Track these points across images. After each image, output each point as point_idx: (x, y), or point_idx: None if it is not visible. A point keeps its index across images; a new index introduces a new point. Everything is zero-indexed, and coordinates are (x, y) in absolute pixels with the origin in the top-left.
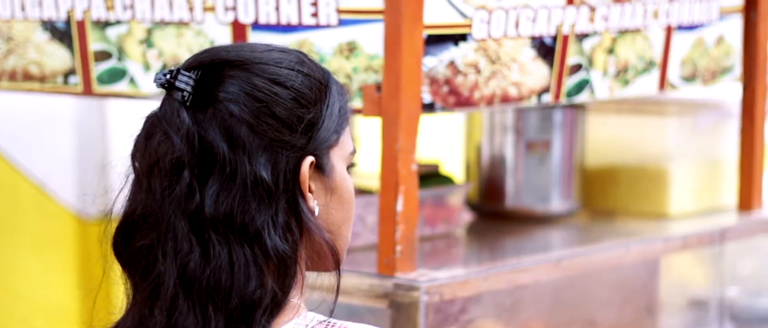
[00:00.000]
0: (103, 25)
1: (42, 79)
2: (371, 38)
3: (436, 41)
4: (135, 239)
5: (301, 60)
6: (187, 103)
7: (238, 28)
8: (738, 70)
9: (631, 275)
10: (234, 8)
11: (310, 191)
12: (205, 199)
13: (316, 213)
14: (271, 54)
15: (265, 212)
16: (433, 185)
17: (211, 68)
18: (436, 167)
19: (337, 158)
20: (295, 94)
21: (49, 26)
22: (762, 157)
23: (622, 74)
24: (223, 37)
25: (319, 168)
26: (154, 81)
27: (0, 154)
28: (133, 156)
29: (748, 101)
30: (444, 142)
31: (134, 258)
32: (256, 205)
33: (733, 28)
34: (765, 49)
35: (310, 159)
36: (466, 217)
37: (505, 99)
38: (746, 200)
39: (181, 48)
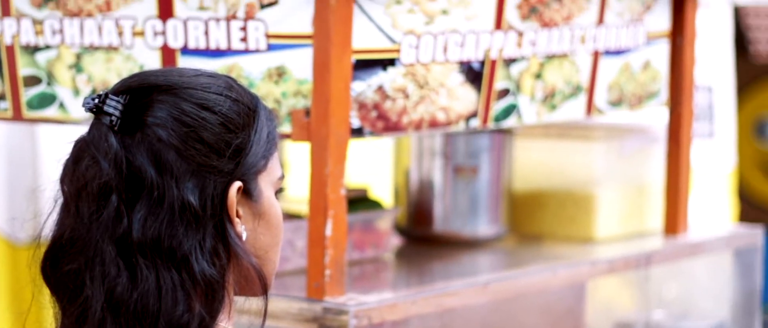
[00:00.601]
0: (32, 50)
1: None
2: (300, 63)
3: (365, 66)
4: (63, 263)
5: (229, 85)
6: (116, 128)
7: (167, 53)
8: (664, 94)
9: (558, 299)
10: (163, 33)
11: (238, 216)
12: (132, 223)
13: (244, 238)
14: (199, 79)
15: (192, 237)
16: (361, 209)
17: (139, 93)
18: (364, 191)
19: (265, 183)
20: (223, 119)
21: None
22: (688, 182)
23: (549, 99)
24: (153, 62)
25: (247, 193)
26: (83, 105)
27: None
28: (62, 180)
29: (674, 126)
30: (373, 166)
31: (62, 282)
32: (184, 230)
33: (660, 53)
34: (691, 74)
35: (237, 184)
36: (395, 241)
37: (434, 124)
38: (672, 224)
39: (110, 73)
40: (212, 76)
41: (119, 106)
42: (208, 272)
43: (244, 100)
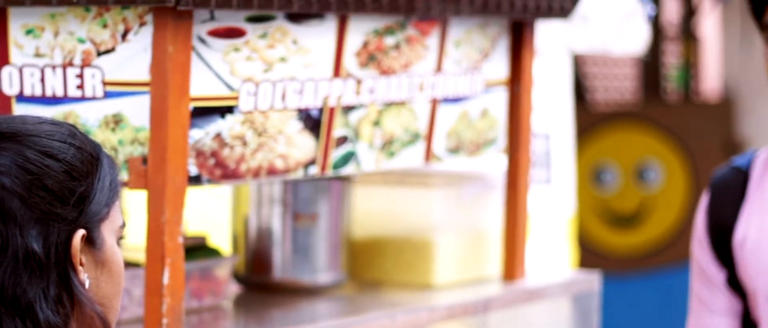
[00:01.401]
0: None
1: None
2: (137, 110)
3: (203, 114)
4: None
5: (72, 133)
6: None
7: (2, 100)
8: (502, 142)
9: None
10: None
11: (81, 264)
12: None
13: (87, 286)
14: (42, 126)
15: (36, 285)
16: (200, 257)
17: None
18: (203, 239)
19: (107, 231)
20: (67, 167)
21: None
22: (525, 228)
23: (387, 146)
24: None
25: (90, 241)
26: None
27: None
28: None
29: (512, 173)
30: (211, 214)
31: None
32: (28, 278)
33: (498, 101)
34: (528, 121)
35: (81, 232)
36: (234, 289)
37: (272, 171)
38: (510, 270)
39: None
40: (55, 123)
41: None
42: (52, 321)
43: (87, 148)
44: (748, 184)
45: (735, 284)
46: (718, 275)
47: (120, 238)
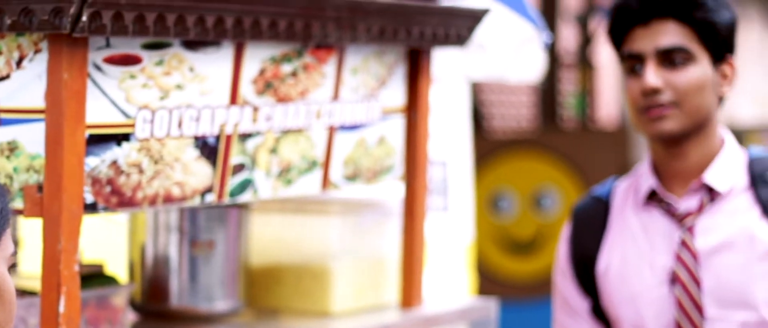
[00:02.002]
0: None
1: None
2: (32, 138)
3: (99, 141)
4: None
5: None
6: None
7: None
8: (399, 169)
9: None
10: None
11: None
12: None
13: None
14: None
15: None
16: (96, 285)
17: None
18: (100, 267)
19: None
20: None
21: None
22: (422, 255)
23: (285, 174)
24: None
25: None
26: None
27: None
28: None
29: (409, 200)
30: (108, 242)
31: None
32: None
33: (395, 128)
34: (425, 148)
35: None
36: (130, 317)
37: (169, 199)
38: (407, 297)
39: None
40: None
41: None
42: None
43: None
44: (609, 213)
45: (599, 313)
46: (581, 304)
47: (11, 265)
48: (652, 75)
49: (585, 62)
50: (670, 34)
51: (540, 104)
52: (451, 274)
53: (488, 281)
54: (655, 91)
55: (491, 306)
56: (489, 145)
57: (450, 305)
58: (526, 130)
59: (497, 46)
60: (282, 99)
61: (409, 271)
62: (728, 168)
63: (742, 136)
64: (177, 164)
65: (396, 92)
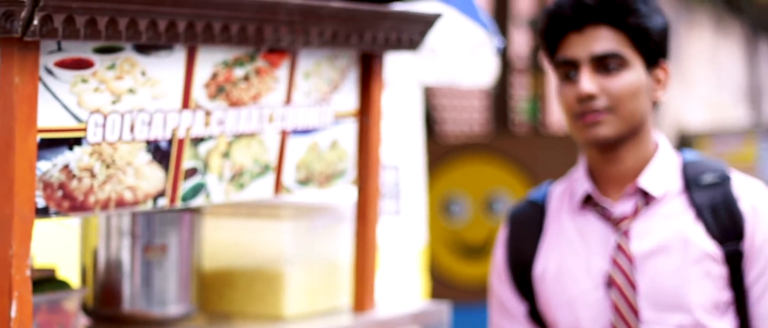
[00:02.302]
0: None
1: None
2: None
3: (50, 145)
4: None
5: None
6: None
7: None
8: (352, 173)
9: None
10: None
11: None
12: None
13: None
14: None
15: None
16: (48, 290)
17: None
18: (52, 271)
19: None
20: None
21: None
22: (374, 259)
23: (237, 178)
24: None
25: None
26: None
27: None
28: None
29: (361, 204)
30: (60, 246)
31: None
32: None
33: (347, 133)
34: (377, 152)
35: None
36: (83, 322)
37: (121, 203)
38: (360, 301)
39: None
40: None
41: None
42: None
43: None
44: (545, 217)
45: (536, 317)
46: (518, 307)
47: None
48: (588, 81)
49: (537, 67)
50: (604, 41)
51: (492, 109)
52: (404, 278)
53: (440, 285)
54: (590, 98)
55: (443, 310)
56: (441, 150)
57: (402, 309)
58: (478, 134)
59: (449, 50)
60: (234, 103)
61: (361, 275)
62: (662, 172)
63: (692, 140)
64: (129, 168)
65: (348, 96)
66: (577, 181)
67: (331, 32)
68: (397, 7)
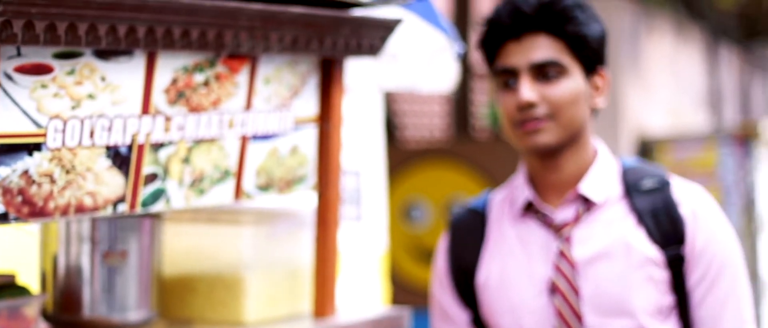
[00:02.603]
0: None
1: None
2: None
3: (10, 151)
4: None
5: None
6: None
7: None
8: (312, 179)
9: None
10: None
11: None
12: None
13: None
14: None
15: None
16: (8, 296)
17: None
18: (12, 277)
19: None
20: None
21: None
22: (335, 265)
23: (197, 183)
24: None
25: None
26: None
27: None
28: None
29: (322, 210)
30: (20, 252)
31: None
32: None
33: (308, 138)
34: (338, 158)
35: None
36: None
37: (81, 209)
38: (321, 307)
39: None
40: None
41: None
42: None
43: None
44: (487, 225)
45: (479, 324)
46: (461, 315)
47: None
48: (527, 89)
49: None
50: (542, 49)
51: (453, 114)
52: (365, 283)
53: (401, 290)
54: (530, 106)
55: (404, 315)
56: (402, 155)
57: (363, 315)
58: (438, 140)
59: (410, 56)
60: (194, 109)
61: (322, 281)
62: (603, 178)
63: (653, 146)
64: (89, 173)
65: (309, 102)
66: (518, 188)
67: (291, 38)
68: (358, 12)
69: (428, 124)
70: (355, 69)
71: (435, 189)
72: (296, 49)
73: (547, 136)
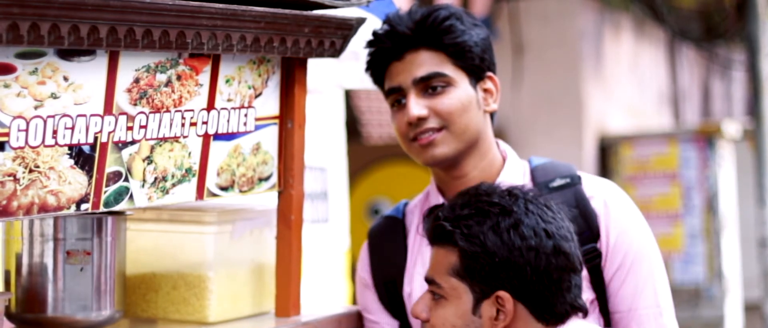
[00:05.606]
0: None
1: None
2: None
3: None
4: None
5: None
6: None
7: None
8: (275, 177)
9: None
10: None
11: None
12: None
13: None
14: None
15: None
16: None
17: None
18: None
19: None
20: None
21: None
22: (299, 264)
23: (160, 182)
24: None
25: None
26: None
27: None
28: None
29: (284, 208)
30: None
31: None
32: None
33: (270, 137)
34: (301, 157)
35: None
36: (7, 326)
37: (44, 208)
38: (284, 306)
39: None
40: None
41: None
42: None
43: None
44: (407, 235)
45: None
46: (391, 324)
47: None
48: (415, 105)
49: None
50: (424, 64)
51: None
52: (329, 282)
53: None
54: (420, 120)
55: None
56: (366, 153)
57: (327, 313)
58: None
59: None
60: (157, 108)
61: (285, 280)
62: (511, 180)
63: (615, 144)
64: (52, 172)
65: (271, 101)
66: (431, 195)
67: (253, 37)
68: (319, 12)
69: (391, 122)
70: (316, 68)
71: (398, 187)
72: (258, 48)
73: (443, 148)
